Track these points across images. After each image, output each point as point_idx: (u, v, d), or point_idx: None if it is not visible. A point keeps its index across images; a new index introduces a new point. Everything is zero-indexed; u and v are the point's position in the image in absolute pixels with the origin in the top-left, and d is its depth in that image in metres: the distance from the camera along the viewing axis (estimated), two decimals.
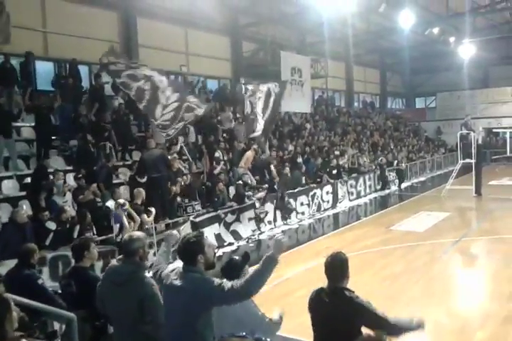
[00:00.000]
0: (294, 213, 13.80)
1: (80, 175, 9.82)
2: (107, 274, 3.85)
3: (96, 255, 4.68)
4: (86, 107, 12.35)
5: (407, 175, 21.32)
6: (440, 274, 8.46)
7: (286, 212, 13.34)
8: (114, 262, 3.93)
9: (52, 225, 8.35)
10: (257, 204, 12.47)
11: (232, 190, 12.72)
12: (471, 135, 17.02)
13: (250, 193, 12.45)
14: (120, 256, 3.86)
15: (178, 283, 3.27)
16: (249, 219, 12.15)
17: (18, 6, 13.34)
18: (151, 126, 12.16)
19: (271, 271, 3.20)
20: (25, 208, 8.55)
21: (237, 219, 11.76)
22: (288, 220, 13.36)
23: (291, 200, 13.78)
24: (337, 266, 3.62)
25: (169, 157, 10.63)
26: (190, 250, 3.31)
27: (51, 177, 9.50)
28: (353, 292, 3.58)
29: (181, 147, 12.82)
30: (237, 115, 16.92)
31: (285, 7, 21.18)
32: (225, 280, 3.24)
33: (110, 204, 9.30)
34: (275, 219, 13.10)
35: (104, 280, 3.85)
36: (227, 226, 11.41)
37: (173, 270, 3.41)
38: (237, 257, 3.81)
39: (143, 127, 13.88)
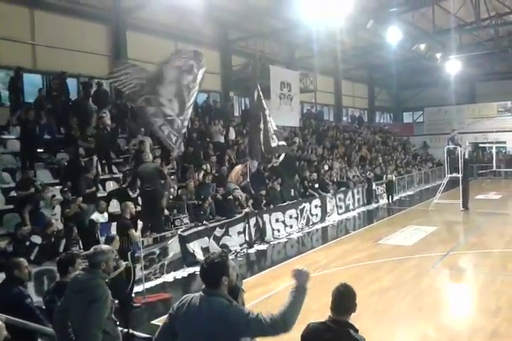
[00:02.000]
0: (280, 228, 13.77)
1: (66, 189, 9.74)
2: (69, 284, 4.06)
3: None
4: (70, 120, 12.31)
5: (396, 189, 21.43)
6: (428, 288, 8.45)
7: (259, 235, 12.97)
8: (77, 272, 4.16)
9: (37, 239, 8.25)
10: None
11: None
12: (458, 149, 17.19)
13: (247, 209, 12.49)
14: (84, 267, 4.09)
15: (201, 309, 3.03)
16: (239, 232, 12.08)
17: (7, 19, 13.37)
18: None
19: (303, 301, 3.12)
20: None
21: (227, 233, 11.68)
22: (263, 241, 12.87)
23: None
24: (349, 297, 3.32)
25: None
26: (215, 271, 3.07)
27: (33, 189, 9.42)
28: (357, 331, 3.26)
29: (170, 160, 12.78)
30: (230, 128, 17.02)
31: (274, 22, 21.38)
32: (256, 311, 3.06)
33: (95, 217, 9.22)
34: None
35: (67, 289, 4.02)
36: (217, 240, 11.33)
37: (191, 298, 3.15)
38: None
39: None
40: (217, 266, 3.07)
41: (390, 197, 20.01)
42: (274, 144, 12.59)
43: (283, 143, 13.30)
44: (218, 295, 3.04)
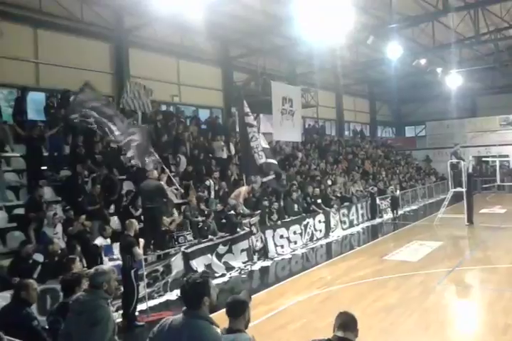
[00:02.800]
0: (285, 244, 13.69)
1: (68, 207, 9.72)
2: (70, 305, 4.04)
3: None
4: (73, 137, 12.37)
5: (400, 204, 21.34)
6: (435, 305, 8.34)
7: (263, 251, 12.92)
8: (79, 293, 4.11)
9: (40, 257, 8.20)
10: (254, 230, 12.35)
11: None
12: (461, 164, 17.15)
13: (245, 220, 12.30)
14: (86, 288, 4.08)
15: (181, 332, 3.01)
16: (242, 250, 12.00)
17: (10, 37, 13.51)
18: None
19: None
20: None
21: (230, 251, 11.62)
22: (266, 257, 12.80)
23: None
24: (353, 318, 3.40)
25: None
26: (197, 291, 3.07)
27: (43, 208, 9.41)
28: None
29: (171, 176, 12.75)
30: (230, 144, 17.04)
31: (276, 39, 21.58)
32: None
33: (99, 242, 9.13)
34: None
35: (69, 311, 4.00)
36: (219, 257, 11.25)
37: (171, 320, 3.14)
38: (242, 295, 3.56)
39: None
40: (198, 285, 3.10)
41: (395, 211, 19.90)
42: (261, 161, 12.45)
43: (272, 160, 12.93)
44: (199, 317, 3.04)
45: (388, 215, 19.96)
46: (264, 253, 12.75)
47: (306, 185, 17.17)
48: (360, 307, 7.90)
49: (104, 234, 9.19)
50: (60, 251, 8.29)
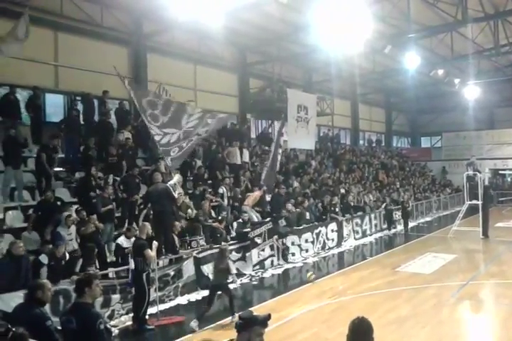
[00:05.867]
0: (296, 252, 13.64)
1: (80, 208, 9.78)
2: None
3: (98, 292, 4.59)
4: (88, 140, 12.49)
5: (413, 215, 21.10)
6: (448, 319, 8.21)
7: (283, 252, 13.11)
8: None
9: (45, 259, 8.18)
10: (258, 241, 12.30)
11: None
12: (477, 176, 16.95)
13: (249, 229, 12.27)
14: None
15: None
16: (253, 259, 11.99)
17: (31, 40, 13.67)
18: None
19: None
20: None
21: (243, 258, 11.62)
22: (288, 259, 13.10)
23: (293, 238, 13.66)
24: (364, 332, 3.24)
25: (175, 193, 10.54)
26: None
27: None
28: None
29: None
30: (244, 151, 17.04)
31: (292, 47, 21.62)
32: None
33: (120, 241, 9.14)
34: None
35: None
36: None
37: None
38: (258, 314, 3.49)
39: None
40: None
41: (406, 223, 19.52)
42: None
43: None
44: None
45: (401, 226, 19.71)
46: (283, 255, 12.87)
47: (319, 193, 17.07)
48: (372, 318, 7.67)
49: (127, 234, 9.21)
50: (71, 252, 8.33)
